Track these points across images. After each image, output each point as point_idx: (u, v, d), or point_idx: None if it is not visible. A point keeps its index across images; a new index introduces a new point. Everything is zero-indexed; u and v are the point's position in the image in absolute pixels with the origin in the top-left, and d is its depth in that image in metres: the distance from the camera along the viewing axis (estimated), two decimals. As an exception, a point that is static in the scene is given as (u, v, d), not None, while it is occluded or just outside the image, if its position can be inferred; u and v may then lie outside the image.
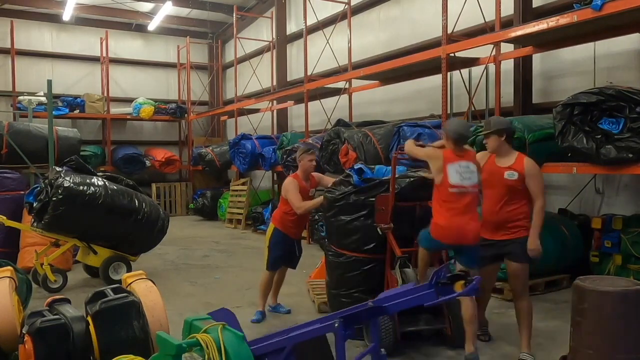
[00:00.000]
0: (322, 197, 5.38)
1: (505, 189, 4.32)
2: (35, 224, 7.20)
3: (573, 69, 7.84)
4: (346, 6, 11.58)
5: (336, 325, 3.04)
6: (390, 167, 4.97)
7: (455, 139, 4.26)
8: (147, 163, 16.58)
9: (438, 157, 4.25)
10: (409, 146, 4.58)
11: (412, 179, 4.94)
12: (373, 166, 5.53)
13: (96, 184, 7.23)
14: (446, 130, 4.39)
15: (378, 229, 4.79)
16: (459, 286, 3.13)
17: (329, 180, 5.76)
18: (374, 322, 3.30)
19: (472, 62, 8.37)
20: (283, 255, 5.68)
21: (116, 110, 17.14)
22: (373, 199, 4.88)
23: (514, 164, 4.33)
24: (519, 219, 4.32)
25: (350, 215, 5.01)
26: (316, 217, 10.43)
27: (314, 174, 5.78)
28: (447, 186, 4.18)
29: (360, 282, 4.97)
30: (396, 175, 4.83)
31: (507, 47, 8.09)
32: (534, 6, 8.07)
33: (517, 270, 4.33)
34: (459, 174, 4.18)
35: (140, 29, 17.79)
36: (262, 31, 16.12)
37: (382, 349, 3.20)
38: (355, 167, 5.30)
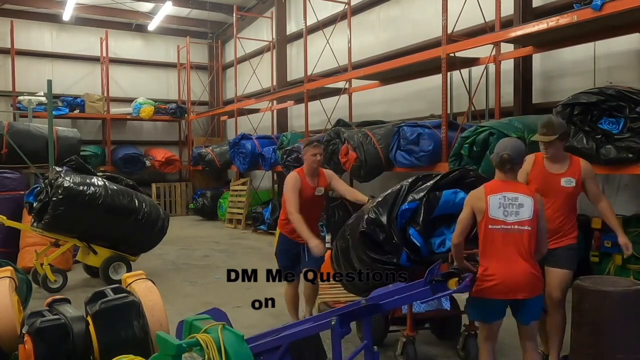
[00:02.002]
0: (318, 241, 4.66)
1: (562, 198, 3.94)
2: (35, 224, 7.20)
3: (573, 69, 7.84)
4: (346, 6, 11.57)
5: (333, 323, 3.04)
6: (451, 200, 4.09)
7: (499, 161, 3.53)
8: (147, 163, 16.59)
9: (479, 196, 3.51)
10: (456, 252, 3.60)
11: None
12: (440, 194, 4.13)
13: (96, 184, 7.23)
14: (494, 154, 3.66)
15: None
16: (452, 283, 3.11)
17: (342, 186, 5.21)
18: (367, 320, 3.25)
19: (472, 62, 8.36)
20: (291, 264, 5.15)
21: (116, 110, 17.15)
22: None
23: (569, 169, 3.96)
24: (569, 228, 3.98)
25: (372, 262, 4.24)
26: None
27: (326, 171, 5.22)
28: (487, 222, 3.46)
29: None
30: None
31: (507, 47, 8.09)
32: (534, 6, 8.06)
33: (557, 277, 3.94)
34: (502, 207, 3.44)
35: (140, 29, 17.79)
36: (262, 31, 16.12)
37: (375, 347, 3.20)
38: (410, 234, 4.03)
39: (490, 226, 3.44)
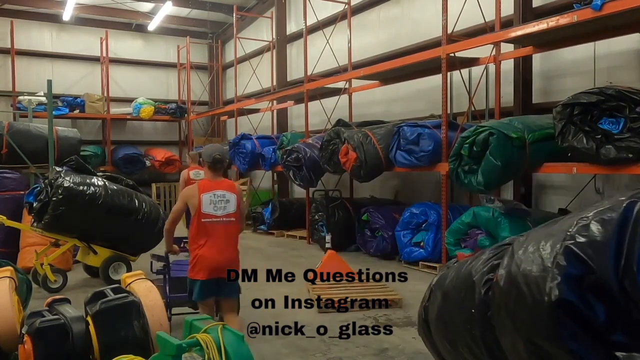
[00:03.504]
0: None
1: None
2: (35, 224, 7.20)
3: (573, 69, 7.84)
4: (346, 6, 11.57)
5: None
6: None
7: (210, 163, 4.29)
8: (147, 163, 16.60)
9: (193, 193, 4.24)
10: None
11: None
12: None
13: (96, 184, 7.23)
14: (203, 156, 4.38)
15: None
16: None
17: None
18: None
19: (472, 62, 8.37)
20: None
21: (116, 110, 17.15)
22: None
23: None
24: None
25: None
26: (316, 217, 10.43)
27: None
28: (201, 216, 4.19)
29: None
30: None
31: (507, 47, 8.09)
32: (534, 6, 8.07)
33: None
34: (212, 203, 4.21)
35: (140, 29, 17.79)
36: (262, 31, 16.12)
37: None
38: None
39: (203, 220, 4.19)
